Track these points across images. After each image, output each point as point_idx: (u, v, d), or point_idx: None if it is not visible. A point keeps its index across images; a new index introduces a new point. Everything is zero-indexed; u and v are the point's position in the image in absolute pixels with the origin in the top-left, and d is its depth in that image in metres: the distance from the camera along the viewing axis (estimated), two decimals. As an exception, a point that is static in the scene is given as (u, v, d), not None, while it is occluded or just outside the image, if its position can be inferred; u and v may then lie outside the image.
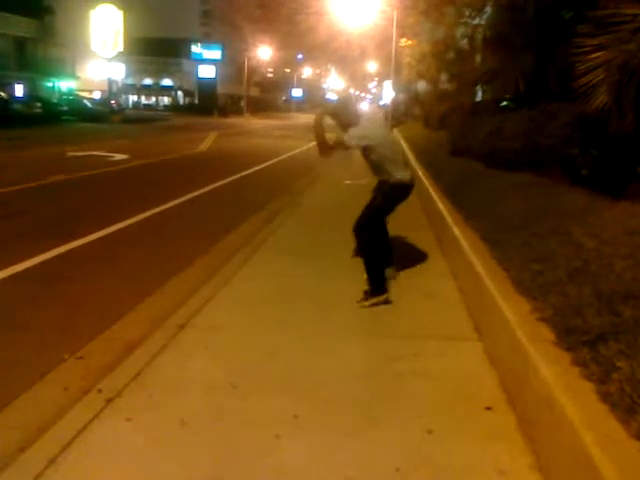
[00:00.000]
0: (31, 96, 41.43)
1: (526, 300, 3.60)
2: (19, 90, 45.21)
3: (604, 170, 5.76)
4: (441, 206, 7.38)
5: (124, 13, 47.76)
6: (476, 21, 21.58)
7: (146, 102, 76.76)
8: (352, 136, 4.96)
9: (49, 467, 2.56)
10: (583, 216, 4.95)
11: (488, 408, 3.15)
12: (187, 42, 71.71)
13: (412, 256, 6.34)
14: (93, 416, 2.99)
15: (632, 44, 5.28)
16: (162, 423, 2.98)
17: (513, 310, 3.48)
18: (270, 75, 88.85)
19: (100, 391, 3.25)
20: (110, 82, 48.21)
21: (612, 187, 5.46)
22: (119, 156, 17.17)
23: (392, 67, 32.39)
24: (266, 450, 2.77)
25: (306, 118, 62.17)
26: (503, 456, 2.73)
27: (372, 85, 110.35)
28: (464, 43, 25.04)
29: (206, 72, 73.32)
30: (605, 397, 2.39)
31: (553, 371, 2.67)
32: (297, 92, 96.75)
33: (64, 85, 51.77)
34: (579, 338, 2.87)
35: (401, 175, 5.12)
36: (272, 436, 2.87)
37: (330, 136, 5.10)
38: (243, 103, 72.04)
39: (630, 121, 5.44)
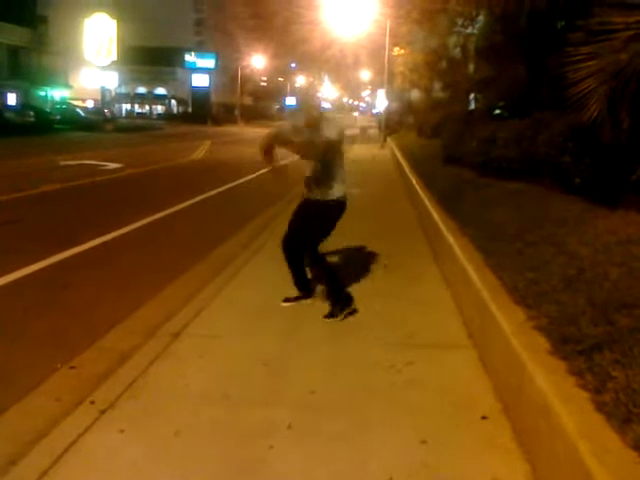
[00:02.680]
0: (24, 105, 41.35)
1: (521, 309, 3.60)
2: (12, 99, 45.15)
3: (598, 179, 5.77)
4: (435, 215, 7.38)
5: (118, 22, 47.90)
6: (469, 30, 21.71)
7: (139, 111, 76.78)
8: (332, 128, 4.62)
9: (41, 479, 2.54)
10: (577, 225, 4.97)
11: (483, 417, 3.14)
12: (181, 51, 71.87)
13: (406, 265, 6.34)
14: (86, 427, 2.97)
15: (624, 53, 5.30)
16: (156, 434, 2.96)
17: (508, 319, 3.48)
18: (264, 84, 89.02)
19: (93, 402, 3.22)
20: (103, 91, 48.29)
21: (606, 196, 5.47)
22: (113, 165, 17.15)
23: (385, 76, 32.47)
24: (260, 460, 2.75)
25: (300, 127, 61.95)
26: (498, 465, 2.71)
27: (365, 94, 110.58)
28: (457, 52, 25.18)
29: (200, 81, 73.50)
30: (601, 406, 2.38)
31: (548, 380, 2.66)
32: (291, 101, 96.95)
33: (57, 94, 51.72)
34: (574, 347, 2.87)
35: (343, 188, 4.81)
36: (266, 446, 2.85)
37: (296, 139, 4.70)
38: (237, 112, 72.12)
39: (623, 130, 5.45)
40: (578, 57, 5.65)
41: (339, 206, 4.79)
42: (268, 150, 4.69)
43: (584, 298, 3.39)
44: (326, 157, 4.64)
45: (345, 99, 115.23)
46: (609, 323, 3.02)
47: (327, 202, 4.73)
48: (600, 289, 3.47)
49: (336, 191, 4.73)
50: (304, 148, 4.58)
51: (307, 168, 4.77)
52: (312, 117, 4.68)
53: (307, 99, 4.85)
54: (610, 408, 2.35)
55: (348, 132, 15.22)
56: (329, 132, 4.59)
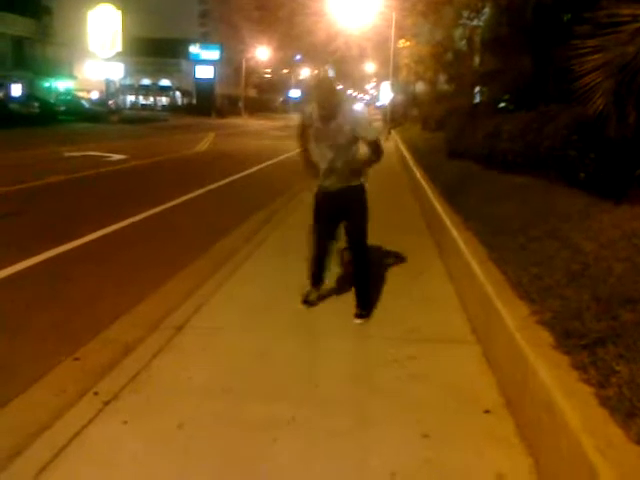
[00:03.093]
0: (28, 96, 41.40)
1: (524, 303, 3.58)
2: (16, 90, 45.18)
3: (603, 173, 5.74)
4: (439, 209, 7.36)
5: (122, 13, 47.79)
6: (474, 22, 21.60)
7: (144, 102, 76.72)
8: (375, 126, 4.58)
9: (44, 471, 2.55)
10: (581, 219, 4.94)
11: (487, 411, 3.14)
12: (185, 42, 71.71)
13: (410, 259, 6.32)
14: (90, 419, 2.98)
15: (631, 46, 5.25)
16: (159, 426, 2.96)
17: (511, 313, 3.47)
18: (268, 76, 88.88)
19: (97, 394, 3.23)
20: (108, 82, 48.25)
21: (611, 190, 5.44)
22: (117, 156, 17.16)
23: (390, 68, 32.39)
24: (263, 453, 2.75)
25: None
26: (502, 460, 2.71)
27: (370, 86, 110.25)
28: (462, 44, 25.06)
29: (204, 73, 73.35)
30: (604, 401, 2.37)
31: (552, 375, 2.65)
32: (295, 93, 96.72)
33: (62, 85, 51.75)
34: (578, 342, 2.86)
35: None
36: (269, 439, 2.85)
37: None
38: (241, 104, 72.05)
39: (629, 124, 5.41)
40: (584, 50, 5.60)
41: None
42: (306, 156, 4.69)
43: (588, 293, 3.38)
44: (354, 143, 4.52)
45: (350, 91, 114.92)
46: (613, 318, 3.00)
47: (363, 185, 4.68)
48: (604, 284, 3.45)
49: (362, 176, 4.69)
50: (328, 136, 4.44)
51: (330, 156, 4.51)
52: (329, 106, 4.39)
53: (323, 87, 4.44)
54: (614, 403, 2.34)
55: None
56: (353, 122, 4.42)
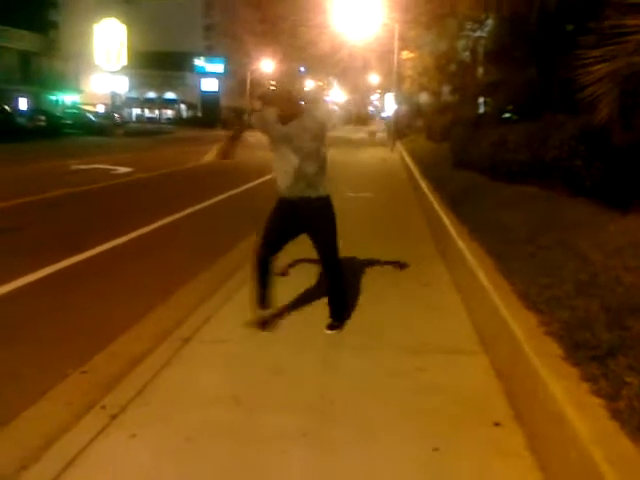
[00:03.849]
0: (35, 109, 41.71)
1: (533, 314, 3.57)
2: (23, 104, 45.56)
3: (609, 182, 5.74)
4: (445, 219, 7.36)
5: (127, 27, 48.23)
6: (478, 33, 21.68)
7: (149, 115, 77.21)
8: (318, 111, 4.30)
9: (53, 485, 2.54)
10: (589, 229, 4.93)
11: (496, 424, 3.11)
12: (190, 55, 72.28)
13: (416, 269, 6.30)
14: (97, 432, 2.96)
15: (637, 56, 5.26)
16: (167, 439, 2.95)
17: (520, 324, 3.45)
18: (273, 88, 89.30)
19: (104, 407, 3.22)
20: (113, 95, 48.58)
21: (617, 200, 5.44)
22: (123, 169, 17.23)
23: (394, 79, 32.43)
24: (272, 466, 2.74)
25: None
26: (512, 472, 2.69)
27: (374, 97, 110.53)
28: (466, 55, 25.14)
29: (209, 85, 73.92)
30: (615, 413, 2.36)
31: (562, 386, 2.63)
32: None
33: (68, 99, 52.21)
34: (588, 353, 2.84)
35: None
36: (278, 452, 2.83)
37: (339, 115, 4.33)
38: (246, 116, 72.26)
39: (635, 133, 5.42)
40: (589, 60, 5.61)
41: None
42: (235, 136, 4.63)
43: (597, 303, 3.36)
44: (322, 144, 4.29)
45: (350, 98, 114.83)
46: (623, 328, 2.99)
47: (329, 197, 4.40)
48: (613, 293, 3.44)
49: (328, 184, 4.41)
50: (292, 139, 4.21)
51: (296, 162, 4.23)
52: (287, 107, 4.21)
53: (285, 87, 4.27)
54: (624, 415, 2.33)
55: (355, 135, 15.28)
56: (319, 114, 4.28)
